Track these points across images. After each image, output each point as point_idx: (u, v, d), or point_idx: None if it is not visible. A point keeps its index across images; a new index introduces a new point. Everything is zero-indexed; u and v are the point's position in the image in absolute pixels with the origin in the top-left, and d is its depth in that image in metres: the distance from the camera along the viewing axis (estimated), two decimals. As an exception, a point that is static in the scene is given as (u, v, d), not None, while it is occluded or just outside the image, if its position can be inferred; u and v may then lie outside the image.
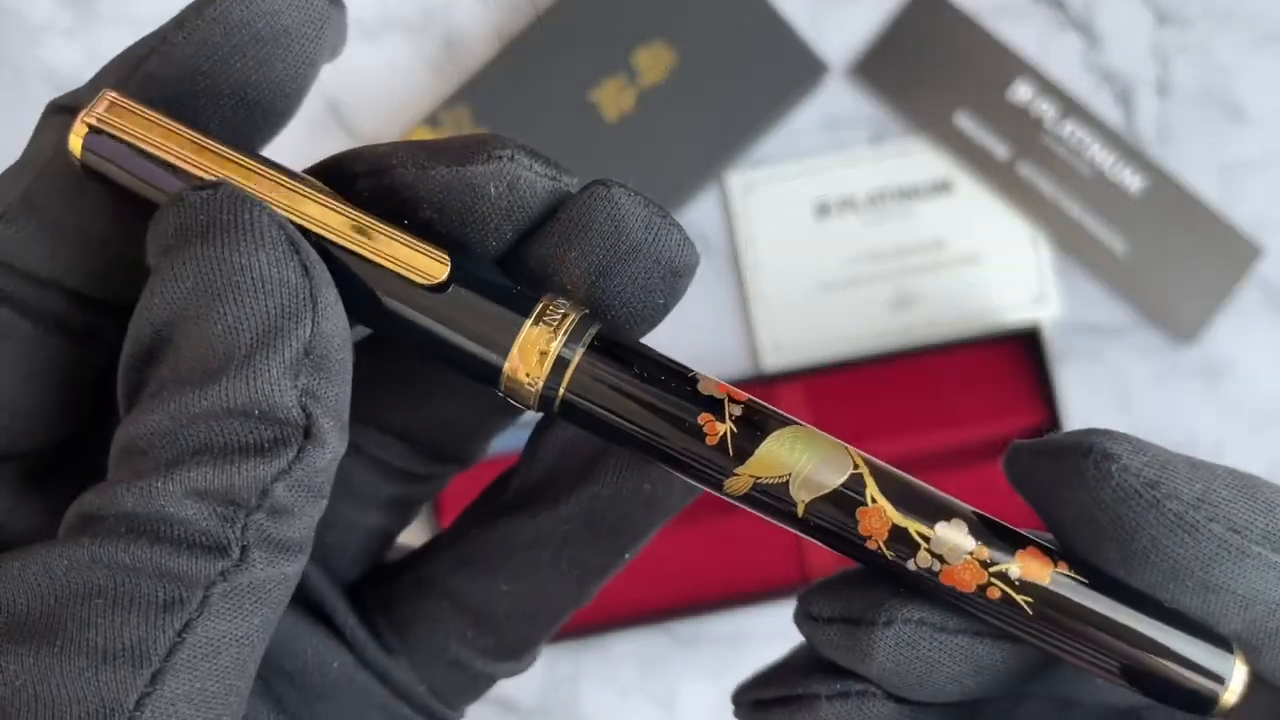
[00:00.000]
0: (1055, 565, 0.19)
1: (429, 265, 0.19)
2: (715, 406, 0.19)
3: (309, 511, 0.18)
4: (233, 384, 0.17)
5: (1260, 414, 0.61)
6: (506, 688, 0.60)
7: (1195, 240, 0.60)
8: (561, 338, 0.19)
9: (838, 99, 0.62)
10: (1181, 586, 0.18)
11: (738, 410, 0.19)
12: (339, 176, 0.20)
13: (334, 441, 0.18)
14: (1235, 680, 0.19)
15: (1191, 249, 0.60)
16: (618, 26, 0.60)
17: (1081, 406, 0.60)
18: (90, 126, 0.18)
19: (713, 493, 0.20)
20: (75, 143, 0.19)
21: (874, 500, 0.19)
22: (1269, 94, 0.61)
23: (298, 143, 0.20)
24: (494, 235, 0.20)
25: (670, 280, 0.20)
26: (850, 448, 0.19)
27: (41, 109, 0.20)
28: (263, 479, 0.17)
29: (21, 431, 0.20)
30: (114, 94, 0.19)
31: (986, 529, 0.19)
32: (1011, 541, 0.19)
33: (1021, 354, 0.60)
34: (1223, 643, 0.19)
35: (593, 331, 0.19)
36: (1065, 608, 0.19)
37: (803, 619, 0.21)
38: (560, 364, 0.19)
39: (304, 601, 0.23)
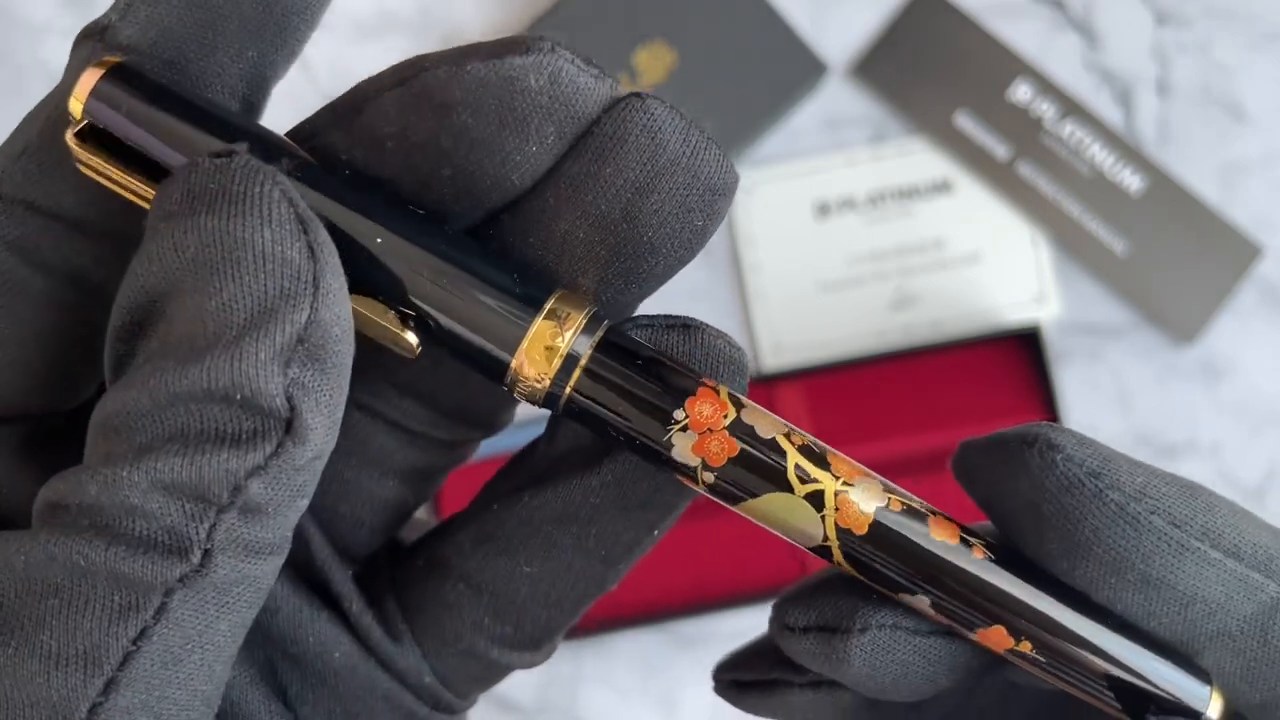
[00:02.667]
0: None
1: (402, 341, 0.19)
2: (690, 473, 0.19)
3: (286, 512, 0.17)
4: (216, 364, 0.16)
5: (1260, 414, 0.61)
6: (506, 687, 0.60)
7: (1195, 240, 0.60)
8: (569, 336, 0.19)
9: (838, 99, 0.62)
10: (1123, 580, 0.18)
11: (710, 478, 0.19)
12: (358, 101, 0.19)
13: (318, 439, 0.17)
14: (1213, 710, 0.19)
15: (1191, 249, 0.60)
16: (618, 26, 0.60)
17: (1081, 407, 0.60)
18: (84, 107, 0.18)
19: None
20: (76, 106, 0.18)
21: (840, 564, 0.19)
22: (1269, 94, 0.61)
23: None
24: (534, 137, 0.18)
25: (709, 199, 0.19)
26: (831, 511, 0.19)
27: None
28: (235, 474, 0.16)
29: (29, 393, 0.19)
30: (96, 78, 0.18)
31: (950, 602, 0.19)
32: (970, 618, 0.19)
33: (1021, 354, 0.60)
34: (1200, 672, 0.19)
35: (599, 334, 0.19)
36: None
37: (778, 630, 0.21)
38: (568, 364, 0.19)
39: (310, 583, 0.22)
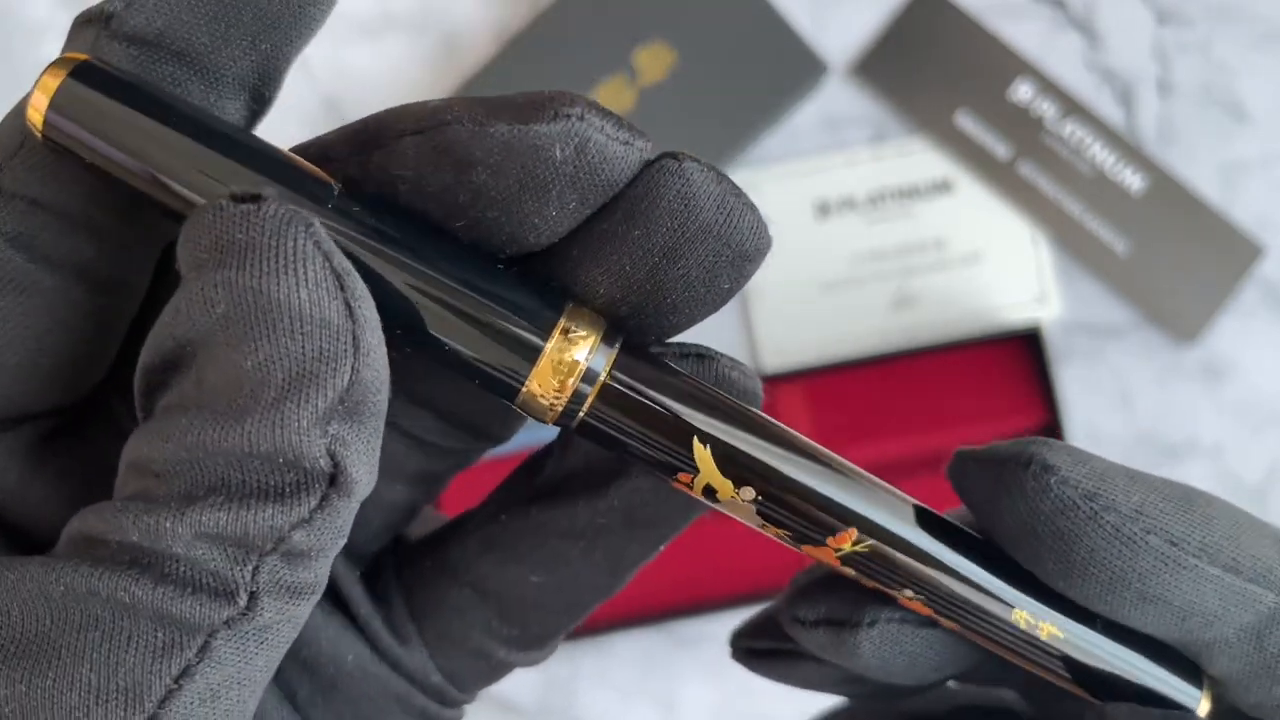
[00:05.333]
0: None
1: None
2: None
3: (328, 552, 0.17)
4: (258, 428, 0.15)
5: (1260, 414, 0.61)
6: (506, 688, 0.59)
7: (1196, 240, 0.60)
8: (583, 357, 0.18)
9: (838, 99, 0.62)
10: (1119, 598, 0.19)
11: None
12: (376, 137, 0.18)
13: (362, 487, 0.17)
14: (1201, 709, 0.20)
15: (1192, 249, 0.60)
16: (618, 26, 0.60)
17: (1082, 407, 0.60)
18: (49, 107, 0.17)
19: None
20: (35, 118, 0.17)
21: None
22: (1269, 94, 0.61)
23: (296, 140, 0.20)
24: (555, 203, 0.18)
25: (739, 265, 0.18)
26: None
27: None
28: (280, 526, 0.16)
29: (36, 393, 0.19)
30: (60, 77, 0.17)
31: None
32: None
33: (1022, 354, 0.60)
34: (1192, 670, 0.20)
35: (612, 355, 0.19)
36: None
37: (789, 622, 0.22)
38: (580, 391, 0.18)
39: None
